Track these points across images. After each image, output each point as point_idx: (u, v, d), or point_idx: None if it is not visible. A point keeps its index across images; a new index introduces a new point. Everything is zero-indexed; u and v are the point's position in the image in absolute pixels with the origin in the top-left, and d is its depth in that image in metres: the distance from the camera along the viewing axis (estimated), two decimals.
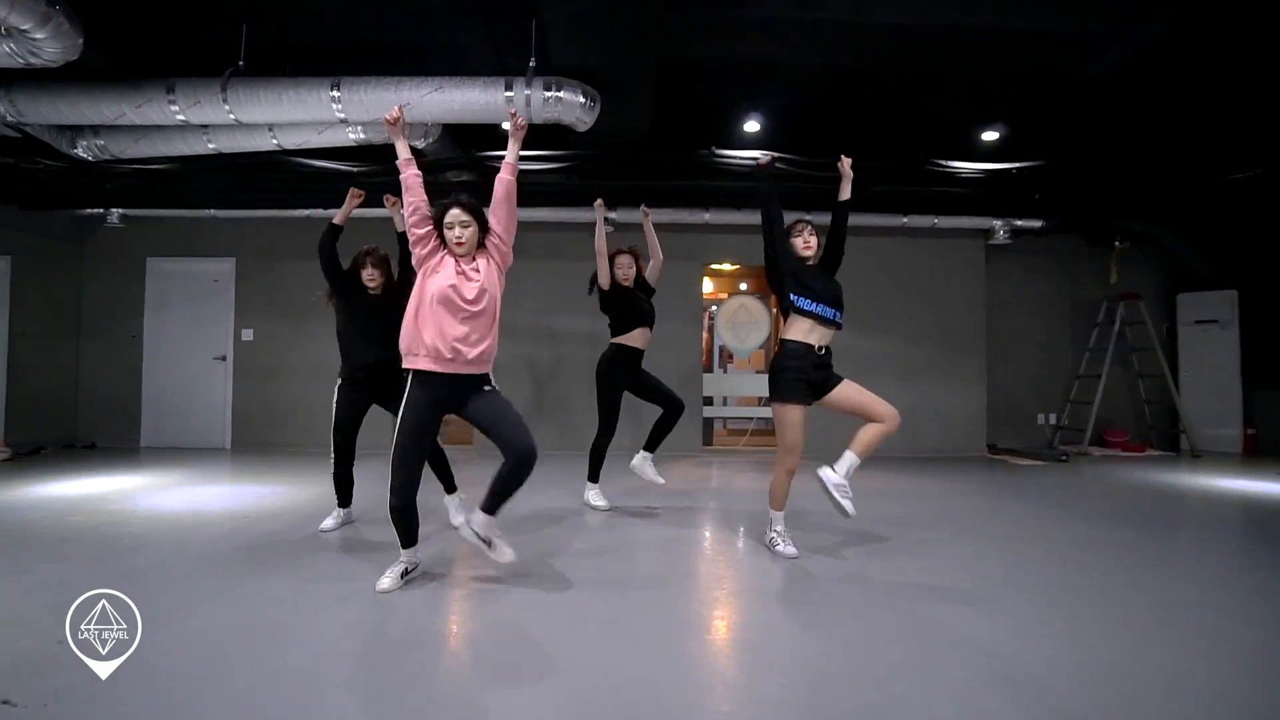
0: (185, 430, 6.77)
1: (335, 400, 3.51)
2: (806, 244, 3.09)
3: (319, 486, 4.73)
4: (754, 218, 6.68)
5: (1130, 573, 2.96)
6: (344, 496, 3.58)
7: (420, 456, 2.56)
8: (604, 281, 3.88)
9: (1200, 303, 7.29)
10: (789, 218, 3.18)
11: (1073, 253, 7.53)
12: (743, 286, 9.12)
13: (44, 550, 3.06)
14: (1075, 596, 2.61)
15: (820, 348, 3.03)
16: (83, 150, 4.23)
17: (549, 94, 3.74)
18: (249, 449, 6.67)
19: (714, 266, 7.71)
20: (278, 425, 6.76)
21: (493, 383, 2.64)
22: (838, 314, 3.07)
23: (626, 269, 3.92)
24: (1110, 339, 7.08)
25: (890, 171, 5.27)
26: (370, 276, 3.45)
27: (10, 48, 2.98)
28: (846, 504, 2.96)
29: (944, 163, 5.12)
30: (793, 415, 3.01)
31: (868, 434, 3.01)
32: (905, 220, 6.62)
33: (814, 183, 5.42)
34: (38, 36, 2.91)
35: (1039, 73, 4.14)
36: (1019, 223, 6.68)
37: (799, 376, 3.01)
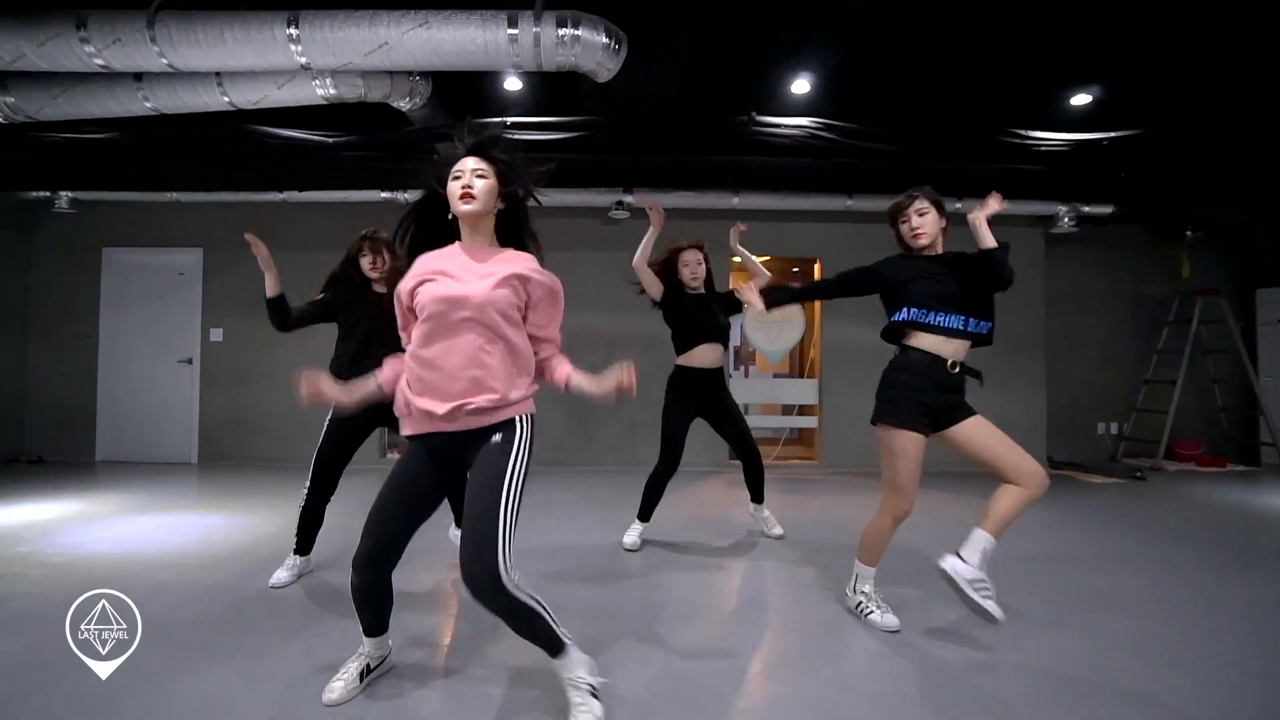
0: (146, 443, 6.00)
1: (326, 421, 2.77)
2: (916, 230, 2.28)
3: (288, 516, 3.96)
4: (788, 202, 5.98)
5: None
6: (305, 541, 2.85)
7: (405, 524, 1.76)
8: (653, 294, 3.24)
9: None
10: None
11: (1135, 244, 6.76)
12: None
13: None
14: None
15: (953, 364, 2.25)
16: None
17: (564, 31, 2.97)
18: (218, 464, 5.90)
19: (736, 259, 6.95)
20: (251, 437, 5.99)
21: (519, 428, 1.72)
22: (972, 322, 2.27)
23: (695, 267, 3.21)
24: (1187, 340, 6.30)
25: (960, 144, 4.50)
26: (372, 265, 2.77)
27: None
28: (990, 605, 2.11)
29: (1025, 133, 4.34)
30: (904, 444, 2.23)
31: (1003, 503, 2.18)
32: (959, 205, 5.83)
33: (869, 158, 4.67)
34: None
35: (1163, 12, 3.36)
36: (1086, 209, 5.90)
37: (914, 396, 2.24)
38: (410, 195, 5.58)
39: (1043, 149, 4.52)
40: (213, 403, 6.03)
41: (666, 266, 3.25)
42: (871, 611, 2.38)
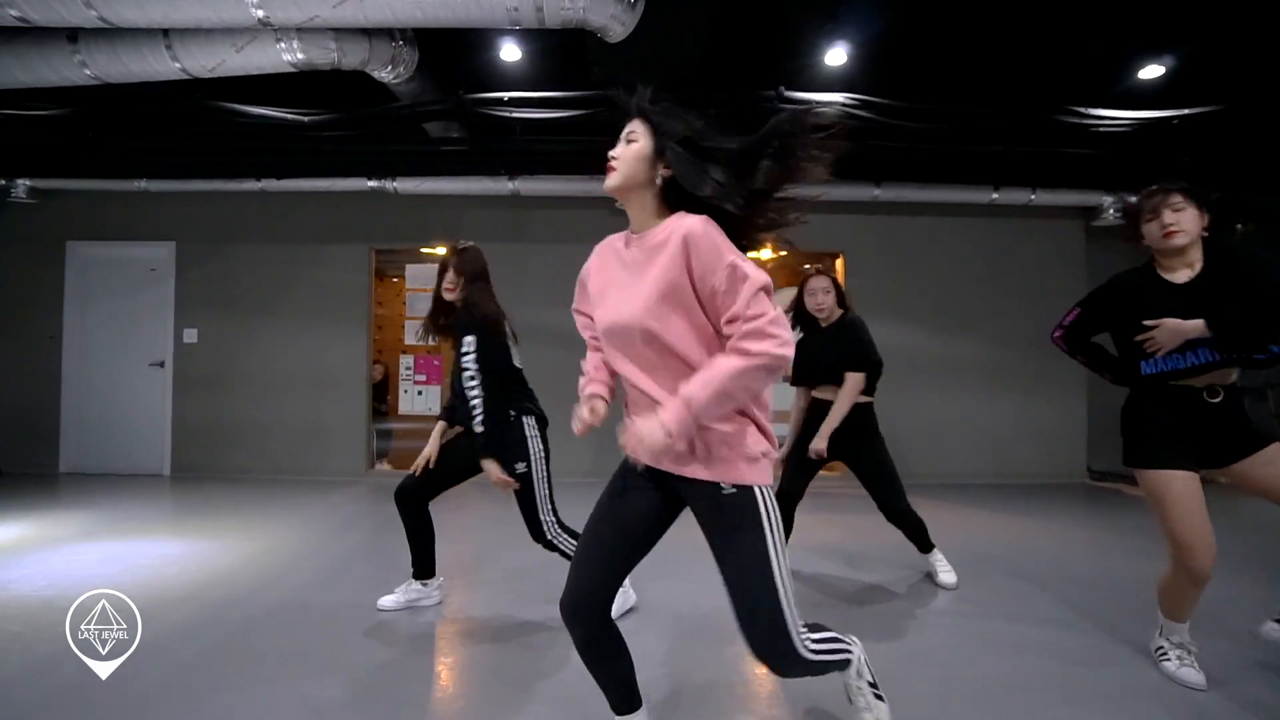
0: (115, 452, 5.54)
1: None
2: (1170, 227, 1.84)
3: (260, 541, 3.51)
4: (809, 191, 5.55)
5: None
6: (420, 560, 2.53)
7: (621, 553, 1.37)
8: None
9: None
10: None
11: None
12: None
13: None
14: None
15: (1211, 389, 1.83)
16: None
17: None
18: (193, 475, 5.44)
19: (750, 255, 6.49)
20: (228, 447, 5.53)
21: (759, 495, 1.29)
22: (1215, 354, 1.81)
23: (820, 296, 2.77)
24: None
25: (1011, 124, 4.02)
26: (449, 285, 2.34)
27: None
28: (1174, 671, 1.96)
29: (1086, 110, 3.87)
30: (1167, 486, 1.84)
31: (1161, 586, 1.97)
32: (995, 195, 5.38)
33: (906, 140, 4.21)
34: None
35: None
36: (1133, 199, 5.42)
37: (1168, 434, 1.86)
38: (400, 184, 5.11)
39: (1102, 129, 4.05)
40: (187, 409, 5.58)
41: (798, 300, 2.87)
42: (1168, 658, 2.04)
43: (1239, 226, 5.97)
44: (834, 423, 2.64)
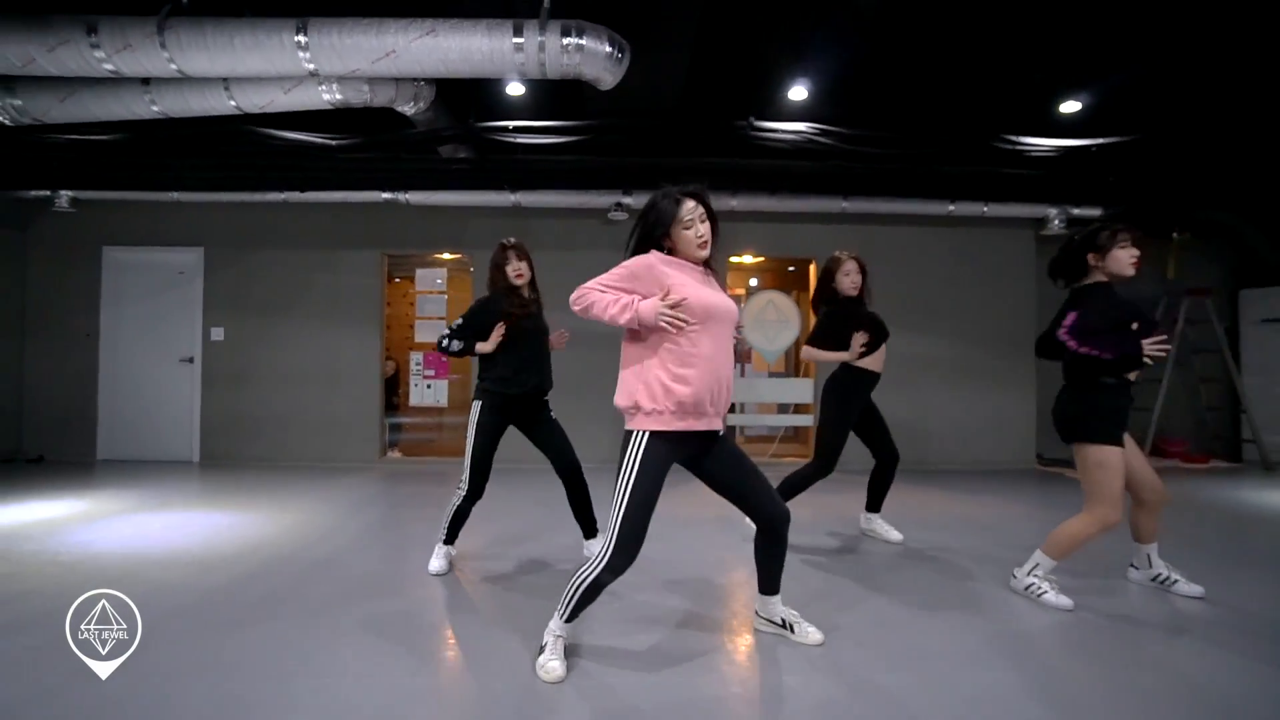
0: (148, 441, 6.03)
1: (474, 424, 2.85)
2: (1137, 259, 2.46)
3: (292, 515, 4.01)
4: (785, 204, 6.07)
5: None
6: (454, 534, 2.98)
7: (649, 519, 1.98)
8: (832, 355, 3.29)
9: (1268, 299, 6.64)
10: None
11: None
12: (753, 282, 8.42)
13: None
14: None
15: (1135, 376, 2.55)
16: None
17: (567, 40, 3.02)
18: (220, 463, 5.94)
19: (733, 259, 7.02)
20: (252, 437, 6.03)
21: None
22: None
23: (855, 275, 3.27)
24: (1173, 339, 6.43)
25: (953, 149, 4.58)
26: (518, 271, 2.88)
27: None
28: (1050, 599, 2.57)
29: (1016, 139, 4.43)
30: (1115, 457, 2.46)
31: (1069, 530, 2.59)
32: (951, 208, 5.93)
33: (865, 162, 4.76)
34: None
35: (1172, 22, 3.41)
36: (1076, 211, 6.01)
37: (1123, 418, 2.50)
38: (411, 196, 5.60)
39: (1033, 154, 4.61)
40: (214, 402, 6.06)
41: (826, 278, 3.30)
42: (1044, 591, 2.58)
43: (1175, 235, 6.57)
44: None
